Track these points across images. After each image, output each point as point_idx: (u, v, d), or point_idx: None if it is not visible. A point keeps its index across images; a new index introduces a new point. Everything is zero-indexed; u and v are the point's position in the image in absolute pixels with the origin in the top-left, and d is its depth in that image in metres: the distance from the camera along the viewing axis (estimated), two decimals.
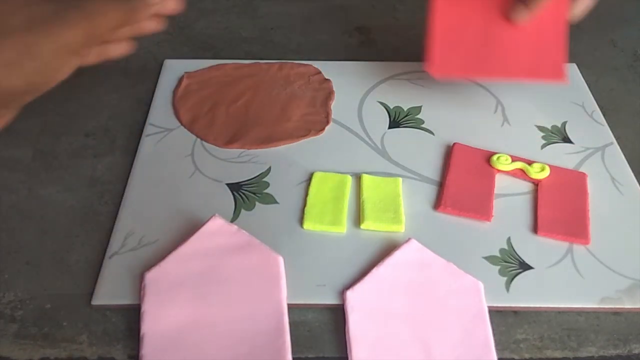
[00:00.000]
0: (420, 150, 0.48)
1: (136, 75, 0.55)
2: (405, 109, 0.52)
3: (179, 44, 0.59)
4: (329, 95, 0.52)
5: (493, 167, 0.46)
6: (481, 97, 0.53)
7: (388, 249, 0.40)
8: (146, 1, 0.38)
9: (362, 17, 0.64)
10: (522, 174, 0.45)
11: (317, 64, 0.55)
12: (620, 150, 0.48)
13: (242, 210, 0.43)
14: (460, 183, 0.45)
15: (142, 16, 0.38)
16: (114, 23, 0.36)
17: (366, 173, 0.45)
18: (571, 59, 0.57)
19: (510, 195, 0.44)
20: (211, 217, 0.41)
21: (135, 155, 0.47)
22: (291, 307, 0.37)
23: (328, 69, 0.55)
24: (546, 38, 0.44)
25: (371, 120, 0.51)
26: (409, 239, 0.40)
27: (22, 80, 0.31)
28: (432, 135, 0.49)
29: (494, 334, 0.36)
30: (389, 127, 0.50)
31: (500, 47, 0.45)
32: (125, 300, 0.38)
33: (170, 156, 0.47)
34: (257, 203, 0.44)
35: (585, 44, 0.60)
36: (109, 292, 0.38)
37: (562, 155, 0.48)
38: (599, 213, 0.43)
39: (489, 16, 0.44)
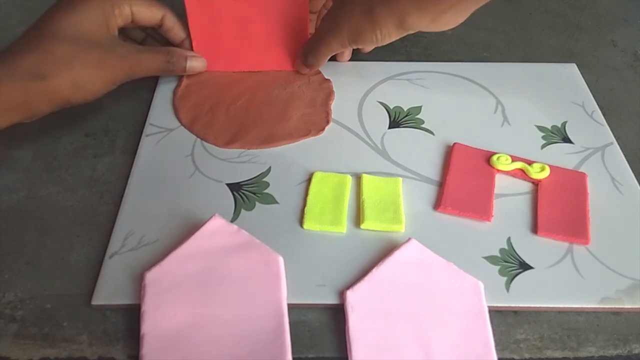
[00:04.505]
0: (420, 150, 0.48)
1: None
2: (405, 109, 0.52)
3: None
4: (329, 95, 0.52)
5: (493, 167, 0.46)
6: (481, 97, 0.53)
7: (388, 249, 0.40)
8: (179, 59, 0.49)
9: None
10: (522, 174, 0.45)
11: None
12: (620, 150, 0.48)
13: (242, 210, 0.43)
14: (460, 183, 0.45)
15: (174, 71, 0.50)
16: (150, 72, 0.48)
17: (366, 173, 0.45)
18: (571, 59, 0.58)
19: (510, 195, 0.44)
20: (211, 217, 0.41)
21: (135, 155, 0.47)
22: (291, 307, 0.37)
23: (328, 69, 0.55)
24: (291, 36, 0.52)
25: (371, 120, 0.51)
26: (409, 238, 0.40)
27: (81, 98, 0.44)
28: (432, 135, 0.49)
29: (494, 334, 0.36)
30: (389, 127, 0.50)
31: (253, 44, 0.52)
32: (125, 300, 0.38)
33: (170, 156, 0.47)
34: (257, 203, 0.44)
35: (585, 44, 0.60)
36: (109, 292, 0.38)
37: (562, 155, 0.48)
38: (599, 213, 0.43)
39: (240, 18, 0.51)
